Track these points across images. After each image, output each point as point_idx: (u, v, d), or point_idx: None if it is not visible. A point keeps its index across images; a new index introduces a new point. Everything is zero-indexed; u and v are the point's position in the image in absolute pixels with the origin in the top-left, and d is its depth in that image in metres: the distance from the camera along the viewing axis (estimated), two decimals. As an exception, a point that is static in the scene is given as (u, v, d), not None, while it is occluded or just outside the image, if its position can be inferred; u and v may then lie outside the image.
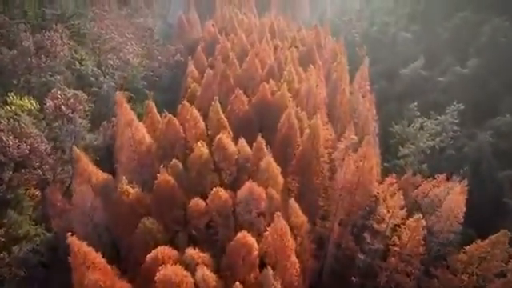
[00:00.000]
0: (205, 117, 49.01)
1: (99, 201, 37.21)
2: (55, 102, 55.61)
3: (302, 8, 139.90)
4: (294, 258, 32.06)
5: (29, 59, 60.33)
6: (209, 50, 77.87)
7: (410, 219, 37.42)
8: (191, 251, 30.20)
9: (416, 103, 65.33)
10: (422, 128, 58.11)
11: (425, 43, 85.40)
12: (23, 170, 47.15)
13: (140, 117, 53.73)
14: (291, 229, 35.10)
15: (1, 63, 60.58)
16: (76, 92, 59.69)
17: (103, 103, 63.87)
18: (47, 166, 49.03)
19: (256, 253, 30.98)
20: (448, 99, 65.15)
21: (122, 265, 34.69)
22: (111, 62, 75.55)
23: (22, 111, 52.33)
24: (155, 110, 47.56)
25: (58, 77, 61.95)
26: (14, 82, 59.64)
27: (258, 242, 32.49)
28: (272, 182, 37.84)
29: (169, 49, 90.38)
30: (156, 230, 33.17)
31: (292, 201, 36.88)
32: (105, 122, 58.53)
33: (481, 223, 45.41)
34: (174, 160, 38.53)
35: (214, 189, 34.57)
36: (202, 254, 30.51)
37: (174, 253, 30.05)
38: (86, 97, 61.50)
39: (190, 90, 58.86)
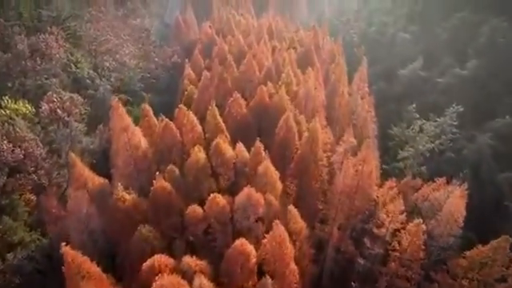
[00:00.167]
0: (202, 120, 48.48)
1: (95, 207, 36.63)
2: (50, 105, 55.11)
3: (300, 8, 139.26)
4: (293, 266, 31.58)
5: (23, 62, 59.60)
6: (206, 52, 77.28)
7: (410, 224, 37.05)
8: (188, 259, 29.67)
9: (415, 105, 64.99)
10: (421, 130, 57.72)
11: (423, 44, 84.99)
12: (18, 175, 46.55)
13: (137, 120, 53.22)
14: (290, 234, 34.67)
15: (-5, 66, 60.05)
16: (72, 95, 59.16)
17: (99, 106, 63.17)
18: (42, 171, 48.44)
19: (254, 260, 30.51)
20: (447, 101, 64.78)
21: (118, 272, 34.24)
22: (107, 64, 74.93)
23: (17, 115, 51.70)
24: (152, 113, 46.93)
25: (54, 80, 61.28)
26: (9, 85, 58.89)
27: (257, 249, 32.03)
28: (270, 187, 37.36)
29: (166, 50, 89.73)
30: (153, 237, 32.63)
31: (291, 206, 36.34)
32: (101, 126, 57.90)
33: (480, 226, 45.07)
34: (170, 165, 38.00)
35: (212, 195, 34.05)
36: (199, 262, 29.98)
37: (170, 261, 29.50)
38: (82, 100, 61.02)
39: (186, 92, 58.30)
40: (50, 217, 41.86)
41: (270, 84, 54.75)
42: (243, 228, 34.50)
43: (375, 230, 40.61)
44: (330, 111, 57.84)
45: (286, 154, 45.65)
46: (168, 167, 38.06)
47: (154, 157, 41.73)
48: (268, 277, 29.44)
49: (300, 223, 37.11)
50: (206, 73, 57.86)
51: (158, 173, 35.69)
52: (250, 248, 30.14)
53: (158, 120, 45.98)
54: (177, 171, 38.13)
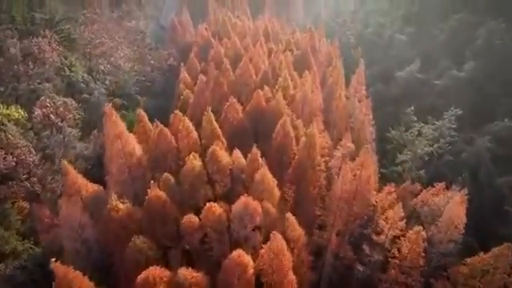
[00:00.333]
0: (198, 125, 47.76)
1: (88, 216, 35.87)
2: (44, 110, 54.31)
3: (296, 10, 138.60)
4: (291, 276, 30.89)
5: (16, 66, 58.68)
6: (202, 55, 76.50)
7: (410, 231, 36.51)
8: (184, 271, 28.89)
9: (412, 107, 64.47)
10: (419, 134, 57.21)
11: (420, 45, 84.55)
12: (10, 183, 45.79)
13: (132, 124, 52.41)
14: (288, 242, 34.03)
15: (-13, 71, 59.11)
16: (65, 99, 58.34)
17: (94, 110, 62.28)
18: (35, 178, 47.64)
19: (252, 271, 29.78)
20: (445, 103, 64.29)
21: (112, 285, 33.48)
22: (102, 68, 74.07)
23: (9, 121, 50.77)
24: (146, 118, 46.17)
25: (47, 84, 60.38)
26: (1, 89, 58.01)
27: (254, 259, 31.38)
28: (268, 195, 36.71)
29: (161, 53, 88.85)
30: (147, 247, 31.83)
31: (289, 214, 35.64)
32: (95, 131, 57.05)
33: (480, 231, 44.61)
34: (165, 174, 37.22)
35: (208, 204, 33.32)
36: (195, 274, 29.21)
37: (166, 273, 28.73)
38: (76, 104, 60.23)
39: (182, 97, 57.48)
40: (43, 226, 40.99)
41: (266, 88, 54.06)
42: (240, 237, 33.80)
43: (374, 237, 40.07)
44: (327, 115, 57.24)
45: (283, 159, 45.04)
46: (163, 175, 37.29)
47: (148, 164, 40.95)
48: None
49: (298, 231, 36.42)
50: (201, 77, 57.13)
51: (152, 181, 34.84)
52: (248, 259, 29.43)
53: (153, 125, 45.21)
54: (172, 179, 37.38)
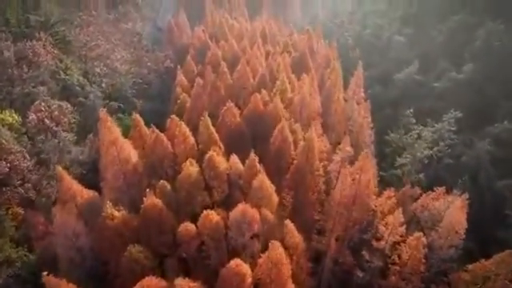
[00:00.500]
0: (195, 129, 47.14)
1: (83, 224, 35.19)
2: (38, 114, 53.46)
3: (294, 11, 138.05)
4: (290, 286, 30.25)
5: (10, 70, 57.75)
6: (199, 57, 75.83)
7: (411, 237, 36.02)
8: (181, 281, 28.18)
9: (411, 110, 64.02)
10: (419, 137, 56.71)
11: (419, 47, 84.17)
12: (4, 189, 44.92)
13: (128, 128, 51.68)
14: (287, 249, 33.51)
15: (-20, 75, 58.17)
16: (60, 103, 57.47)
17: (89, 114, 61.43)
18: (29, 184, 46.83)
19: (250, 281, 29.16)
20: (444, 105, 63.93)
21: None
22: (98, 70, 73.22)
23: (3, 125, 49.86)
24: (142, 123, 45.44)
25: (42, 87, 59.39)
26: (-5, 93, 57.13)
27: (252, 268, 30.76)
28: (266, 201, 36.13)
29: (158, 55, 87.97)
30: (143, 257, 31.16)
31: (287, 221, 35.04)
32: (91, 135, 56.25)
33: (480, 236, 44.07)
34: (161, 181, 36.53)
35: (205, 211, 32.64)
36: (192, 284, 28.54)
37: (162, 283, 28.08)
38: (72, 108, 59.37)
39: (179, 100, 56.77)
40: (37, 233, 40.29)
41: (264, 91, 53.46)
42: (238, 245, 33.18)
43: (374, 243, 39.55)
44: (325, 118, 56.75)
45: (281, 164, 44.50)
46: (159, 182, 36.60)
47: (144, 170, 40.29)
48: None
49: (297, 237, 35.93)
50: (198, 80, 56.47)
51: (148, 190, 34.17)
52: (246, 268, 28.81)
53: (149, 129, 44.52)
54: (168, 186, 36.71)
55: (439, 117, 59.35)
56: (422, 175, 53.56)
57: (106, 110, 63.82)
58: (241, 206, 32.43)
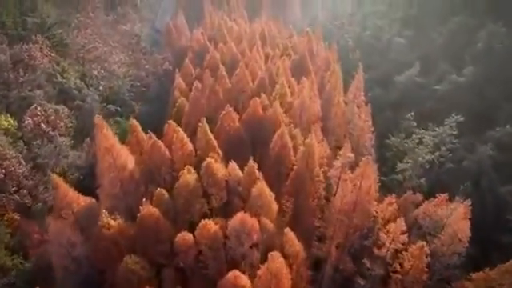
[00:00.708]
0: (193, 134, 46.47)
1: (79, 233, 34.54)
2: (34, 119, 52.89)
3: (293, 12, 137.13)
4: (290, 297, 29.60)
5: (6, 73, 57.06)
6: (197, 60, 75.03)
7: (413, 246, 35.38)
8: (178, 293, 27.59)
9: (412, 113, 63.33)
10: (420, 142, 56.02)
11: (419, 49, 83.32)
12: (-2, 195, 44.29)
13: (125, 132, 50.97)
14: (286, 258, 32.86)
15: (-24, 79, 57.47)
16: (57, 107, 56.94)
17: (87, 117, 60.56)
18: (25, 191, 46.24)
19: (249, 293, 28.51)
20: (445, 108, 63.20)
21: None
22: (95, 73, 72.48)
23: (-1, 130, 49.34)
24: (139, 128, 44.71)
25: (38, 91, 58.74)
26: (-9, 98, 56.42)
27: (251, 278, 30.09)
28: (265, 210, 35.42)
29: (156, 57, 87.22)
30: (140, 267, 30.43)
31: (287, 229, 34.36)
32: (88, 139, 55.54)
33: (482, 241, 43.32)
34: (159, 189, 35.80)
35: (203, 221, 31.94)
36: (189, 296, 27.93)
37: (159, 295, 27.44)
38: (68, 111, 58.80)
39: (177, 104, 55.99)
40: (32, 241, 39.60)
41: (263, 95, 52.73)
42: (237, 255, 32.48)
43: (376, 251, 38.87)
44: (325, 122, 56.03)
45: (281, 170, 43.84)
46: (157, 190, 35.86)
47: (142, 177, 39.59)
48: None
49: (297, 246, 35.25)
50: (197, 83, 55.76)
51: (145, 198, 33.47)
52: (245, 280, 28.15)
53: (146, 134, 43.77)
54: (166, 194, 35.96)
55: (440, 120, 58.65)
56: (423, 180, 52.85)
57: (103, 113, 64.27)
58: (240, 215, 31.77)
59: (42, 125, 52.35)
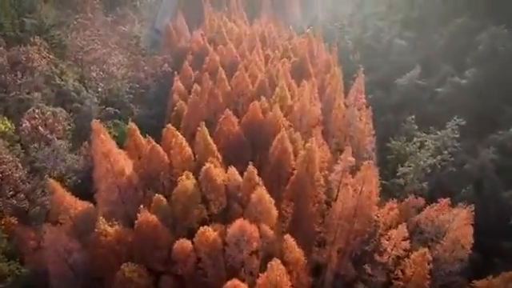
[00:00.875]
0: (192, 138, 45.93)
1: (76, 240, 33.99)
2: (32, 122, 52.36)
3: (293, 13, 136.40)
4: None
5: (3, 76, 56.53)
6: (197, 62, 74.39)
7: (415, 253, 34.91)
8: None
9: (413, 116, 62.76)
10: (421, 145, 55.43)
11: (420, 51, 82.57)
12: (-5, 200, 43.75)
13: (124, 135, 50.40)
14: (286, 265, 32.34)
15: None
16: (55, 110, 56.42)
17: (85, 120, 59.93)
18: (22, 195, 45.67)
19: (248, 302, 28.00)
20: (446, 111, 62.63)
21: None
22: (94, 75, 71.93)
23: (-4, 134, 48.81)
24: (138, 132, 44.19)
25: (36, 94, 58.21)
26: (-12, 100, 55.90)
27: (251, 286, 29.62)
28: (265, 216, 34.89)
29: (155, 59, 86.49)
30: (137, 275, 29.88)
31: (287, 236, 33.86)
32: (86, 142, 54.92)
33: (485, 246, 42.76)
34: (157, 195, 35.26)
35: (202, 228, 31.40)
36: (188, 305, 27.40)
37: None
38: (67, 114, 58.33)
39: (176, 108, 55.36)
40: (28, 248, 39.07)
41: (263, 98, 52.17)
42: (236, 262, 31.94)
43: (377, 257, 38.41)
44: (326, 125, 55.55)
45: (281, 174, 43.30)
46: (155, 197, 35.32)
47: (140, 182, 39.05)
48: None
49: (297, 252, 34.79)
50: (196, 86, 55.23)
51: (142, 204, 32.92)
52: (244, 289, 27.62)
53: (145, 136, 43.18)
54: (164, 200, 35.42)
55: (442, 122, 58.07)
56: (424, 184, 52.32)
57: (102, 115, 63.74)
58: (239, 222, 31.26)
59: (40, 128, 51.81)
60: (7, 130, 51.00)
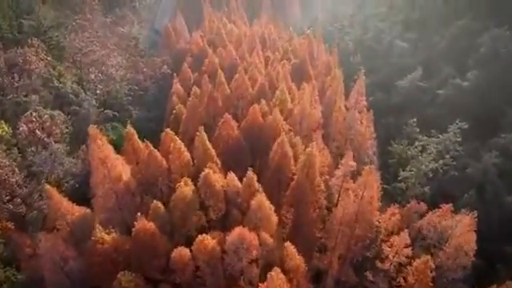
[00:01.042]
0: (190, 142, 45.33)
1: (71, 248, 33.40)
2: (29, 125, 51.75)
3: (293, 13, 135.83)
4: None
5: (0, 79, 55.90)
6: (196, 64, 73.75)
7: (418, 261, 34.32)
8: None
9: (415, 119, 62.17)
10: (423, 149, 54.85)
11: (421, 52, 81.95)
12: (-9, 205, 43.18)
13: (123, 138, 49.76)
14: (287, 273, 31.79)
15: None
16: (53, 112, 55.74)
17: (83, 123, 59.40)
18: (19, 199, 45.08)
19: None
20: (448, 113, 62.11)
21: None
22: (93, 77, 71.26)
23: (-8, 137, 48.22)
24: (136, 136, 43.52)
25: (34, 96, 57.57)
26: (-15, 103, 55.28)
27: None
28: (265, 222, 34.31)
29: (154, 60, 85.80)
30: (134, 285, 29.28)
31: (287, 243, 33.27)
32: (84, 146, 54.28)
33: (487, 251, 42.12)
34: (155, 202, 34.66)
35: (200, 236, 30.82)
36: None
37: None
38: (65, 117, 57.66)
39: (175, 111, 54.75)
40: (25, 254, 38.48)
41: (263, 101, 51.53)
42: (235, 271, 31.36)
43: (379, 264, 37.84)
44: (326, 128, 54.97)
45: (281, 179, 42.71)
46: (152, 204, 34.73)
47: (138, 188, 38.44)
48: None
49: (297, 260, 34.20)
50: (195, 89, 54.58)
51: (140, 211, 32.31)
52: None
53: (144, 140, 42.54)
54: (162, 207, 34.83)
55: (443, 125, 57.55)
56: (426, 188, 51.72)
57: (100, 118, 63.13)
58: (238, 230, 30.68)
59: (37, 131, 51.19)
60: (4, 133, 50.40)
